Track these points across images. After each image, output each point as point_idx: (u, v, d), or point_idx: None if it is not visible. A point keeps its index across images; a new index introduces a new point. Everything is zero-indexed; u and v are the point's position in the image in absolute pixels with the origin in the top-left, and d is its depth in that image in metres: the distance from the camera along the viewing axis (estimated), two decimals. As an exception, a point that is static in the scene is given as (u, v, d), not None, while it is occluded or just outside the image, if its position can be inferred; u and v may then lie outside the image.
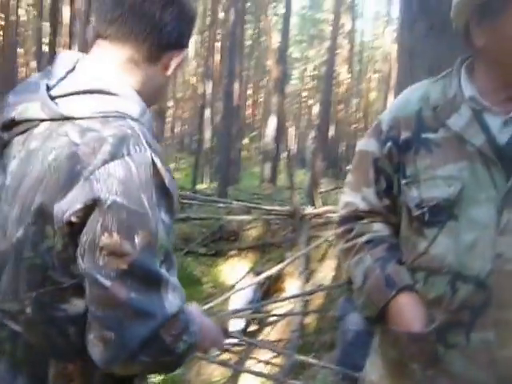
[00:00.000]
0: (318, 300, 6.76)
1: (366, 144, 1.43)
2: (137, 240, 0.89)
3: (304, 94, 44.75)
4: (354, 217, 1.41)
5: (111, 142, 0.93)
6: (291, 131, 41.79)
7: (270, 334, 6.95)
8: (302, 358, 5.24)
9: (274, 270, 6.80)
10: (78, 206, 0.90)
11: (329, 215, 8.75)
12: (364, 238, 1.36)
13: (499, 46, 1.22)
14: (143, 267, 0.91)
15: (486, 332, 1.20)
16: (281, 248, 8.61)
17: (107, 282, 0.89)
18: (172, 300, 0.93)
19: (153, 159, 0.96)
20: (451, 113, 1.28)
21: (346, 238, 1.40)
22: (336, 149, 31.42)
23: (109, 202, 0.90)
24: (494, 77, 1.27)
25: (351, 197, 1.43)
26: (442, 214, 1.24)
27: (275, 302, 6.74)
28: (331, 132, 26.88)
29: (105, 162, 0.91)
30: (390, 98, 16.69)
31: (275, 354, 5.97)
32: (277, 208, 9.60)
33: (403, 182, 1.31)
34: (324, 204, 10.06)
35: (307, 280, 7.17)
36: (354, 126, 33.54)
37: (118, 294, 0.89)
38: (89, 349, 0.94)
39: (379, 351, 1.39)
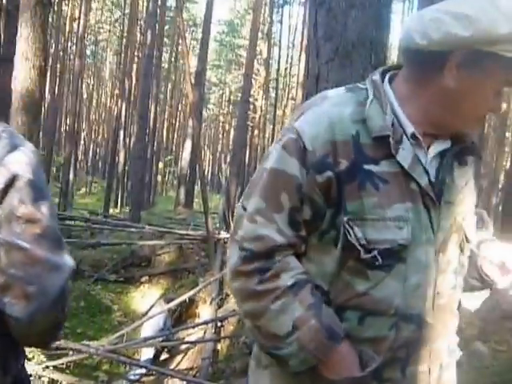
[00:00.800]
0: (230, 326, 6.68)
1: (283, 163, 1.21)
2: (44, 210, 1.08)
3: (221, 118, 45.09)
4: (268, 253, 1.21)
5: (5, 136, 1.11)
6: (207, 155, 41.88)
7: (182, 362, 6.78)
8: (213, 386, 5.14)
9: (185, 296, 6.68)
10: (0, 186, 1.05)
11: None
12: (287, 282, 1.19)
13: (468, 97, 1.19)
14: (52, 230, 1.09)
15: (421, 365, 1.23)
16: (194, 273, 8.49)
17: (26, 245, 1.05)
18: (68, 258, 1.11)
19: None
20: (396, 146, 1.19)
21: (258, 278, 1.20)
22: (251, 174, 31.72)
23: (25, 179, 1.07)
24: (435, 114, 1.23)
25: (266, 229, 1.21)
26: (392, 257, 1.19)
27: (186, 328, 6.60)
28: (247, 157, 27.13)
29: (9, 151, 1.09)
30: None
31: (186, 382, 5.82)
32: (191, 233, 9.50)
33: (345, 218, 1.18)
34: (238, 228, 10.05)
35: (220, 306, 7.08)
36: (270, 151, 34.00)
37: (36, 253, 1.05)
38: (7, 310, 1.05)
39: None
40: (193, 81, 14.64)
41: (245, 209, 1.25)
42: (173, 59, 33.15)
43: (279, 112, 33.29)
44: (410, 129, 1.21)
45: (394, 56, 23.24)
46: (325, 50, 2.16)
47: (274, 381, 1.31)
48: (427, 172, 1.22)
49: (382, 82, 1.27)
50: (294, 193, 1.20)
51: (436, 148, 1.25)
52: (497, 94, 1.21)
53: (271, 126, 29.51)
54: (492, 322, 5.10)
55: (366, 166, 1.18)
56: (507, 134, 24.53)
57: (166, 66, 33.27)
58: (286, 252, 1.22)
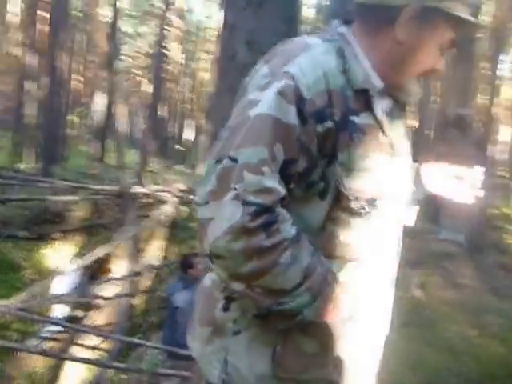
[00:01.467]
0: (146, 281, 6.67)
1: (280, 111, 1.13)
2: None
3: (136, 71, 43.71)
4: (273, 206, 1.12)
5: None
6: (121, 109, 40.63)
7: (97, 318, 6.72)
8: (129, 339, 5.14)
9: (100, 252, 6.57)
10: None
11: (158, 194, 8.69)
12: (291, 232, 1.15)
13: (415, 51, 1.25)
14: None
15: (385, 302, 1.40)
16: (109, 229, 8.34)
17: None
18: None
19: None
20: (373, 99, 1.24)
21: (264, 233, 1.11)
22: (167, 128, 31.20)
23: None
24: (385, 68, 1.27)
25: (271, 180, 1.12)
26: (372, 206, 1.25)
27: (101, 284, 6.51)
28: (162, 111, 26.63)
29: None
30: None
31: (102, 338, 5.79)
32: (105, 188, 9.27)
33: (339, 168, 1.19)
34: (153, 183, 9.95)
35: (135, 261, 7.03)
36: (186, 105, 33.59)
37: None
38: None
39: (293, 347, 1.28)
40: (106, 31, 14.06)
41: (234, 160, 1.12)
42: (85, 7, 31.52)
43: (195, 65, 32.75)
44: (379, 83, 1.25)
45: (305, 13, 23.32)
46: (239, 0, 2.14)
47: (252, 344, 1.28)
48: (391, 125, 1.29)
49: (347, 29, 1.30)
50: (291, 144, 1.14)
51: (386, 102, 1.31)
52: (441, 53, 1.28)
53: (187, 80, 29.05)
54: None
55: (351, 117, 1.20)
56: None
57: (78, 14, 31.65)
58: (280, 204, 1.15)
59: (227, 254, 1.12)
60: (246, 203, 1.09)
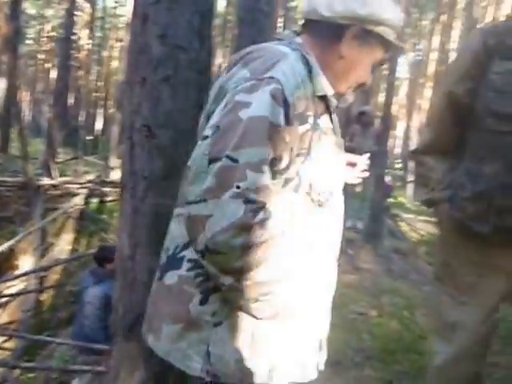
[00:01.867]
0: (54, 275, 6.47)
1: (272, 113, 1.23)
2: None
3: (41, 56, 41.80)
4: (267, 204, 1.21)
5: None
6: (25, 96, 38.69)
7: (1, 316, 6.44)
8: (37, 337, 4.97)
9: (3, 247, 6.29)
10: None
11: (67, 186, 8.42)
12: (279, 227, 1.26)
13: (353, 66, 1.45)
14: None
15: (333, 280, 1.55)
16: (13, 223, 7.98)
17: None
18: None
19: None
20: (330, 103, 1.41)
21: (261, 229, 1.19)
22: (77, 118, 30.16)
23: None
24: (328, 76, 1.42)
25: (268, 178, 1.22)
26: (331, 196, 1.42)
27: (5, 281, 6.23)
28: (70, 99, 25.68)
29: None
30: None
31: (6, 337, 5.55)
32: (8, 179, 8.85)
33: (311, 165, 1.33)
34: (62, 175, 9.63)
35: (43, 255, 6.79)
36: (95, 94, 32.62)
37: None
38: None
39: (266, 331, 1.38)
40: (6, 11, 13.34)
41: (234, 159, 1.19)
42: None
43: (105, 53, 31.83)
44: (331, 90, 1.42)
45: (219, 7, 23.29)
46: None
47: (234, 332, 1.34)
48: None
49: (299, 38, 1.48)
50: (279, 143, 1.23)
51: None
52: (372, 69, 1.51)
53: (97, 68, 28.19)
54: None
55: (317, 120, 1.35)
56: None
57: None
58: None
59: (226, 249, 1.18)
60: (247, 201, 1.17)
